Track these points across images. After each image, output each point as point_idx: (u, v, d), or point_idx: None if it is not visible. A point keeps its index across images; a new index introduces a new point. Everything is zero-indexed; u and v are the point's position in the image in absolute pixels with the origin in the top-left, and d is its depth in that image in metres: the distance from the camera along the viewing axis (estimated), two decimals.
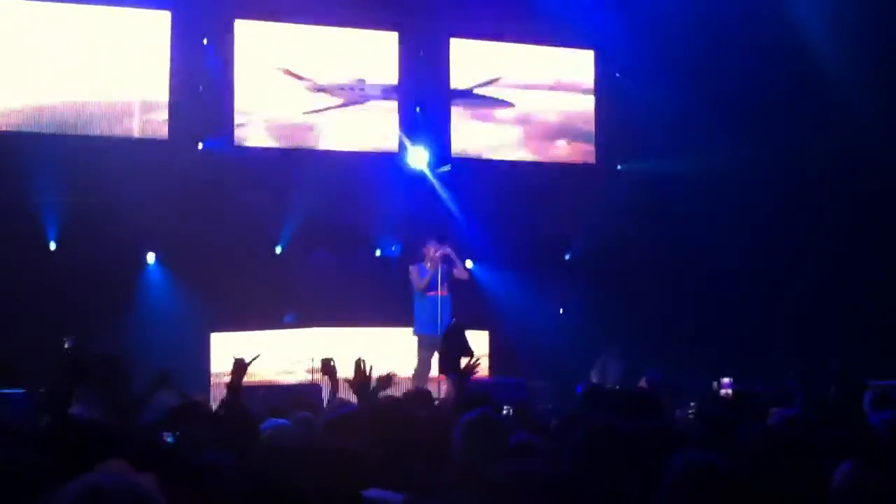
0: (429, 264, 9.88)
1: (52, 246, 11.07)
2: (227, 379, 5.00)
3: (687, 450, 3.16)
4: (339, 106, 12.47)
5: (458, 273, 9.93)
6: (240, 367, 4.99)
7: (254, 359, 5.10)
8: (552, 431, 4.20)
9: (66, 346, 5.97)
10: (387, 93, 12.65)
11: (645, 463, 3.33)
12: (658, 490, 2.96)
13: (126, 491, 2.10)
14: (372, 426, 3.62)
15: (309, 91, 12.35)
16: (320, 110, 12.39)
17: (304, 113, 12.31)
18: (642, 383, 9.45)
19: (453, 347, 4.84)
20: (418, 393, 5.35)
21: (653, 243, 12.64)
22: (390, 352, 9.79)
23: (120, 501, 2.07)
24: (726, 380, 6.23)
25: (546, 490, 2.63)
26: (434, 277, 9.84)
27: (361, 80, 12.56)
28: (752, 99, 12.60)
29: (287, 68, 12.24)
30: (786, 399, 5.14)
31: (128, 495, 2.08)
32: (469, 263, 12.14)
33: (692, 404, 5.36)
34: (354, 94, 12.53)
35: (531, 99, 13.33)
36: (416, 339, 9.84)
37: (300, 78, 12.28)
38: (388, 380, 5.36)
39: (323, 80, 12.41)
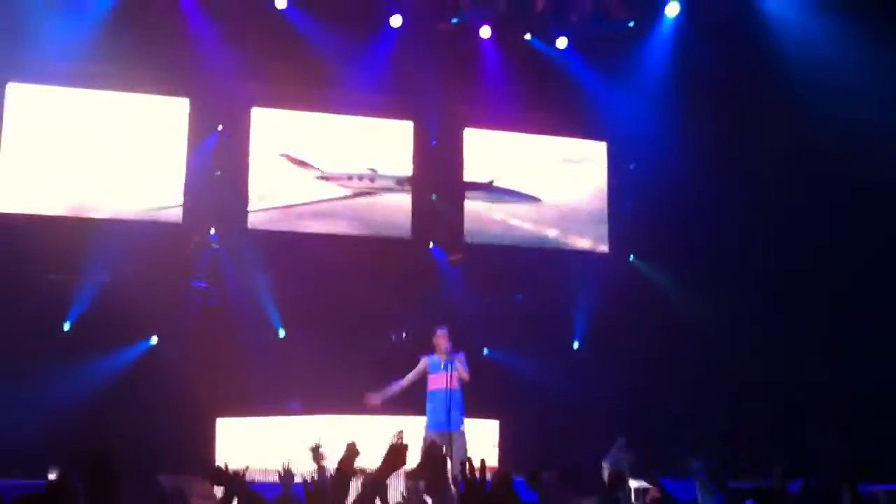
0: (441, 357, 9.61)
1: (67, 326, 11.05)
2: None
3: None
4: (349, 197, 12.51)
5: (460, 373, 9.64)
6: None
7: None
8: None
9: (50, 477, 5.87)
10: (400, 183, 12.71)
11: None
12: None
13: None
14: None
15: (318, 179, 12.43)
16: (328, 201, 12.43)
17: (313, 202, 12.37)
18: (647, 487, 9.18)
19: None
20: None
21: (662, 335, 12.53)
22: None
23: None
24: None
25: None
26: (444, 369, 9.60)
27: (373, 171, 12.62)
28: (766, 191, 12.62)
29: (291, 155, 12.35)
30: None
31: None
32: (485, 351, 12.11)
33: None
34: (364, 184, 12.57)
35: (545, 188, 13.39)
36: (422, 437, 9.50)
37: (305, 165, 12.37)
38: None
39: (333, 169, 12.49)
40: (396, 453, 4.70)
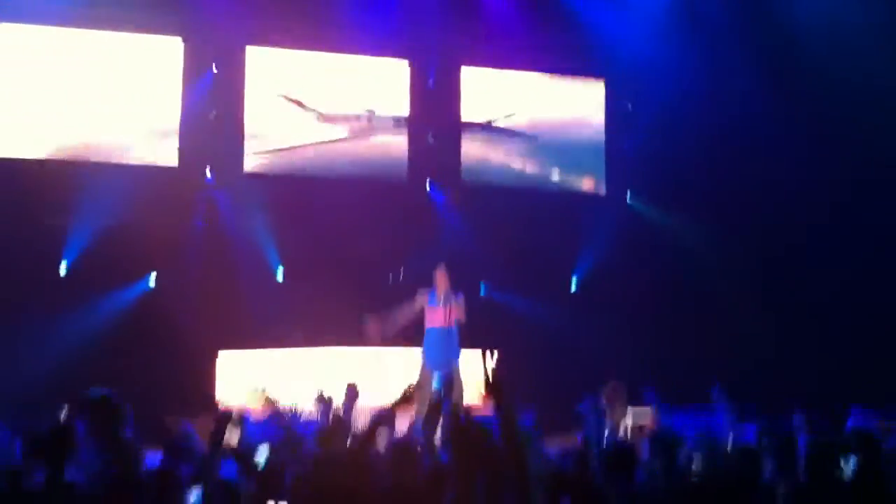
0: (440, 296, 9.73)
1: (63, 270, 11.02)
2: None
3: None
4: (346, 139, 12.43)
5: (457, 313, 9.76)
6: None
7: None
8: None
9: (61, 415, 5.87)
10: (398, 124, 12.62)
11: None
12: None
13: None
14: None
15: (316, 121, 12.34)
16: (326, 143, 12.36)
17: (310, 145, 12.28)
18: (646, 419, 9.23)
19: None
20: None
21: (659, 276, 12.56)
22: (398, 373, 9.74)
23: None
24: None
25: None
26: (442, 305, 9.69)
27: (371, 112, 12.52)
28: (764, 132, 12.56)
29: (289, 96, 12.25)
30: None
31: None
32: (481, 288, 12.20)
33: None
34: (362, 125, 12.48)
35: (542, 128, 13.30)
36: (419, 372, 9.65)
37: (302, 106, 12.27)
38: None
39: (331, 110, 12.39)
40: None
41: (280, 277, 11.73)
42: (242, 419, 6.50)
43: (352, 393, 6.71)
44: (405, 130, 12.64)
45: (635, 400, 10.40)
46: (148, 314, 10.77)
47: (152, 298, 11.10)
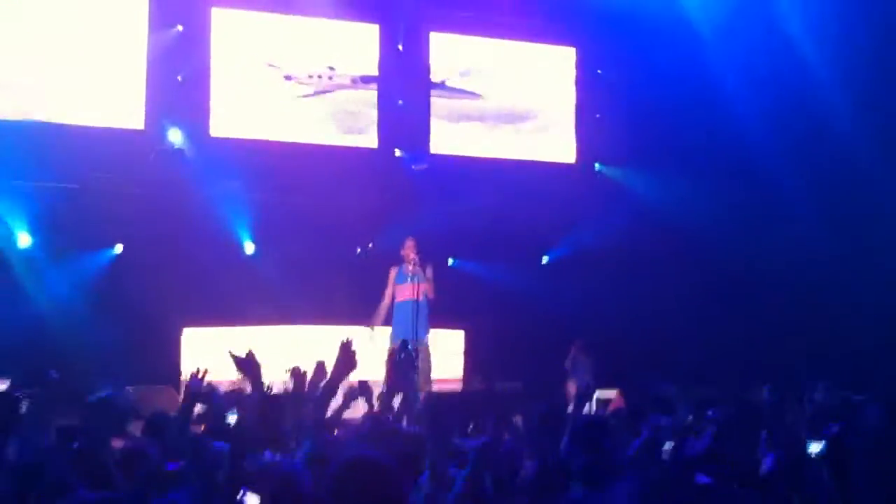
0: (409, 268, 9.75)
1: (27, 241, 10.78)
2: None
3: None
4: (309, 95, 12.27)
5: (425, 288, 9.76)
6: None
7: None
8: None
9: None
10: (356, 82, 12.46)
11: None
12: None
13: None
14: None
15: (280, 81, 12.17)
16: (292, 102, 12.21)
17: (273, 101, 12.11)
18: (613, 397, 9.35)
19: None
20: None
21: (630, 245, 12.59)
22: (368, 352, 9.70)
23: None
24: None
25: None
26: (411, 281, 9.70)
27: (331, 69, 12.38)
28: (734, 100, 12.56)
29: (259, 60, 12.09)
30: None
31: None
32: (450, 261, 12.19)
33: None
34: (323, 83, 12.34)
35: (512, 96, 13.21)
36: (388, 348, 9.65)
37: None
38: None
39: (295, 70, 12.22)
40: (347, 355, 4.87)
41: (249, 249, 11.60)
42: (210, 394, 6.44)
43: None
44: (365, 87, 12.44)
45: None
46: (113, 284, 10.63)
47: (117, 267, 10.94)
